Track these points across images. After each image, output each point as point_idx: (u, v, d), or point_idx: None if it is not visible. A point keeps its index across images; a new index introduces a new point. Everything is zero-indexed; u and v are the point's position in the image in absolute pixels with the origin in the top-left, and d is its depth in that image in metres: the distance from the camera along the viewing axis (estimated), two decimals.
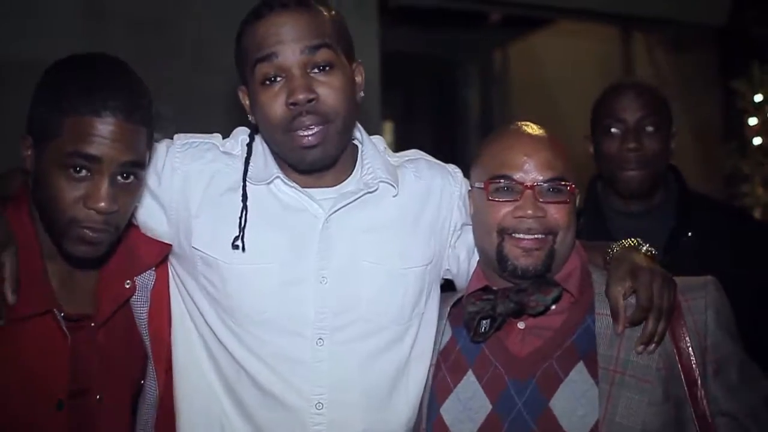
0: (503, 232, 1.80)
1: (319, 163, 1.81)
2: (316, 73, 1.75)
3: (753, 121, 5.36)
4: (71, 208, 1.63)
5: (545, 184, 1.79)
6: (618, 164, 2.50)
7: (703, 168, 5.99)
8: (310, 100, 1.73)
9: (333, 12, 1.82)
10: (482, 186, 1.84)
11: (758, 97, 5.32)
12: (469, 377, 1.83)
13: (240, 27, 1.83)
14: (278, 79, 1.75)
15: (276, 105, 1.75)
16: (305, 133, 1.75)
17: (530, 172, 1.80)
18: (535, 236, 1.78)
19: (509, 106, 6.79)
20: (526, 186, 1.79)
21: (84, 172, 1.63)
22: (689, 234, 2.48)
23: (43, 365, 1.67)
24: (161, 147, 1.89)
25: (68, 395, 1.71)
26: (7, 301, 1.61)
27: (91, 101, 1.62)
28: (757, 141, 5.34)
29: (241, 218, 1.80)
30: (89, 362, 1.75)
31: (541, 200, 1.79)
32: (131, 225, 1.84)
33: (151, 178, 1.85)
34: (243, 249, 1.79)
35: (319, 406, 1.78)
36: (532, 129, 1.87)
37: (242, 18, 1.83)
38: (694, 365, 1.73)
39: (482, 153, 1.90)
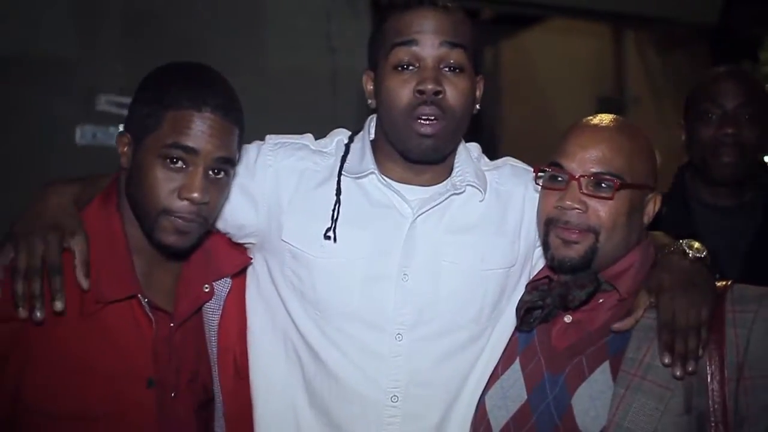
0: (549, 223, 1.79)
1: (430, 154, 1.86)
2: (446, 71, 1.84)
3: None
4: (166, 199, 1.71)
5: (591, 178, 1.75)
6: (712, 149, 2.39)
7: None
8: (436, 93, 1.81)
9: (472, 25, 1.93)
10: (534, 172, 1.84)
11: None
12: (515, 366, 1.83)
13: (384, 14, 1.91)
14: (410, 67, 1.83)
15: (404, 91, 1.82)
16: (425, 122, 1.82)
17: (583, 163, 1.76)
18: (575, 229, 1.75)
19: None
20: (572, 177, 1.76)
21: (180, 164, 1.71)
22: None
23: (131, 346, 1.76)
24: (252, 147, 1.96)
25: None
26: (82, 286, 1.69)
27: (192, 96, 1.72)
28: None
29: (334, 211, 1.86)
30: (165, 359, 1.81)
31: (584, 193, 1.75)
32: (214, 231, 1.91)
33: (244, 174, 1.92)
34: (335, 240, 1.85)
35: (395, 398, 1.83)
36: (600, 121, 1.82)
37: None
38: (715, 379, 1.62)
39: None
